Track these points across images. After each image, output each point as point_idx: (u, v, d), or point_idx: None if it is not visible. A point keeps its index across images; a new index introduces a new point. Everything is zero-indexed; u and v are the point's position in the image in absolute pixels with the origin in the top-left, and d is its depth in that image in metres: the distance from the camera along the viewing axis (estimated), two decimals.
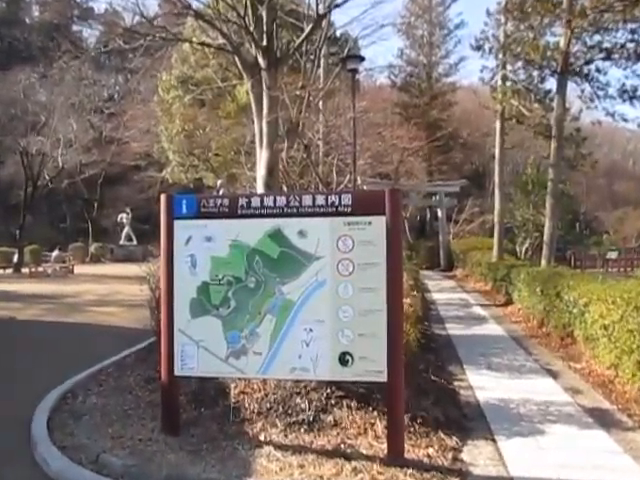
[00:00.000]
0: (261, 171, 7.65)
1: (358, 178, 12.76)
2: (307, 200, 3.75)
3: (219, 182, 13.35)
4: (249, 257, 3.81)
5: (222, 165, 18.73)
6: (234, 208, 3.85)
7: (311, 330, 3.70)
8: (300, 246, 3.74)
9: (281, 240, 3.77)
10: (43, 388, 5.11)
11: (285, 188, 9.32)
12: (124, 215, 31.04)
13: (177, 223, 3.96)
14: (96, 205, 34.20)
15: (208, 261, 3.89)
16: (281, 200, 3.79)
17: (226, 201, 3.89)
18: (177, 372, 3.96)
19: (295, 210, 3.76)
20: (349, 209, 3.68)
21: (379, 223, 3.64)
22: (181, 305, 3.92)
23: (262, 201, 3.82)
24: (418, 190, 23.49)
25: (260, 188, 7.32)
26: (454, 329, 8.71)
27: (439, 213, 24.22)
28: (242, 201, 3.85)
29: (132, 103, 28.62)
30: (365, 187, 17.04)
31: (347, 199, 3.68)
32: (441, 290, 14.47)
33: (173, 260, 3.95)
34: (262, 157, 7.69)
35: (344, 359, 3.66)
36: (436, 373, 5.66)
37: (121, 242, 31.20)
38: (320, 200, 3.73)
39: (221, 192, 11.52)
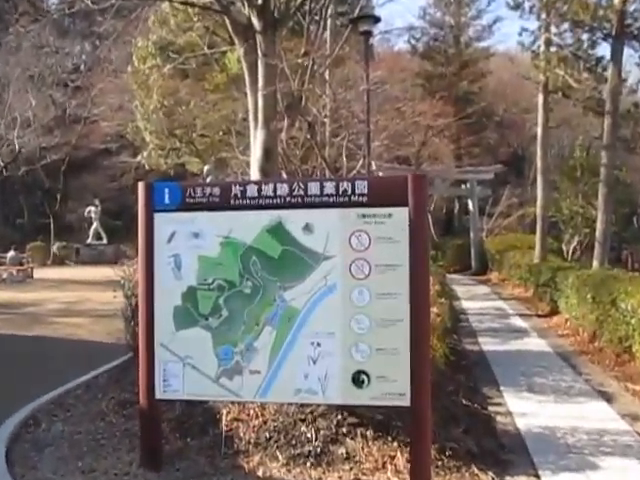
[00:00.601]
0: (256, 154, 7.63)
1: (373, 163, 12.76)
2: (314, 188, 3.76)
3: (206, 168, 13.36)
4: (244, 257, 3.82)
5: (209, 148, 18.75)
6: (226, 198, 3.86)
7: (319, 344, 3.71)
8: (305, 243, 3.74)
9: (283, 236, 3.78)
10: None
11: (285, 175, 9.33)
12: (92, 209, 31.17)
13: (158, 217, 3.97)
14: (59, 197, 34.36)
15: (195, 262, 3.90)
16: (283, 188, 3.80)
17: (216, 190, 3.90)
18: (159, 395, 3.97)
19: (299, 200, 3.77)
20: (364, 199, 3.68)
21: (401, 216, 3.64)
22: (163, 315, 3.94)
23: (260, 189, 3.83)
24: (444, 177, 23.52)
25: (255, 175, 7.31)
26: (489, 344, 8.73)
27: (470, 205, 24.16)
28: (236, 189, 3.86)
29: (101, 75, 28.69)
30: (380, 173, 17.04)
31: (362, 186, 3.69)
32: (472, 297, 14.48)
33: (153, 261, 3.97)
34: (257, 138, 7.67)
35: (359, 379, 3.66)
36: (468, 396, 5.67)
37: (89, 241, 31.37)
38: (329, 188, 3.74)
39: (208, 180, 11.51)
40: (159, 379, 3.94)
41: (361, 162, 11.13)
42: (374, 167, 14.56)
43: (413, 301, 3.60)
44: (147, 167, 20.73)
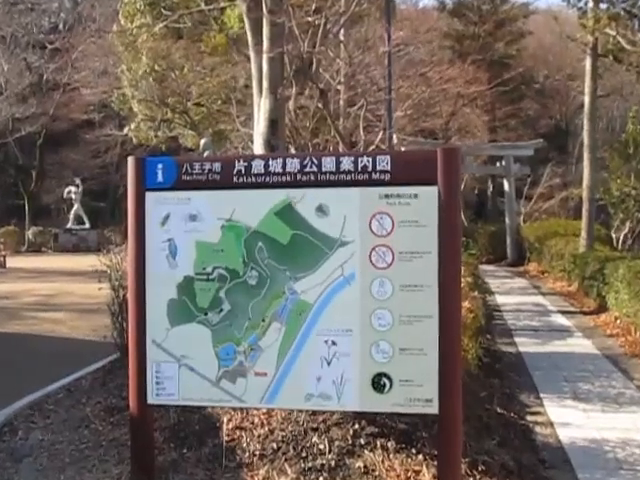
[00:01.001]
0: (260, 126, 7.61)
1: (394, 136, 12.69)
2: (329, 163, 3.75)
3: (202, 141, 13.35)
4: (249, 243, 3.83)
5: (205, 119, 18.75)
6: (228, 175, 3.87)
7: (334, 343, 3.73)
8: (319, 227, 3.75)
9: (293, 219, 3.79)
10: None
11: (293, 150, 9.32)
12: (72, 189, 31.32)
13: (150, 196, 3.99)
14: (34, 175, 34.47)
15: (192, 248, 3.92)
16: (293, 163, 3.80)
17: (217, 165, 3.91)
18: (151, 399, 4.00)
19: (313, 177, 3.77)
20: (387, 176, 3.68)
21: (429, 196, 3.63)
22: (156, 309, 3.96)
23: (267, 165, 3.83)
24: (476, 153, 23.39)
25: (259, 149, 7.30)
26: (527, 345, 8.75)
27: (505, 186, 24.03)
28: (239, 165, 3.86)
29: (83, 35, 28.73)
30: (403, 149, 16.98)
31: (384, 162, 3.68)
32: (508, 292, 14.47)
33: (144, 247, 3.99)
34: (262, 107, 7.65)
35: (379, 383, 3.68)
36: (503, 404, 5.71)
37: (69, 225, 31.59)
38: (347, 163, 3.73)
39: (205, 156, 11.52)
40: (151, 382, 3.97)
41: (381, 135, 11.07)
42: (396, 141, 14.48)
43: (442, 294, 3.60)
44: (135, 141, 20.79)
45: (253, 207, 3.84)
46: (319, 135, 10.96)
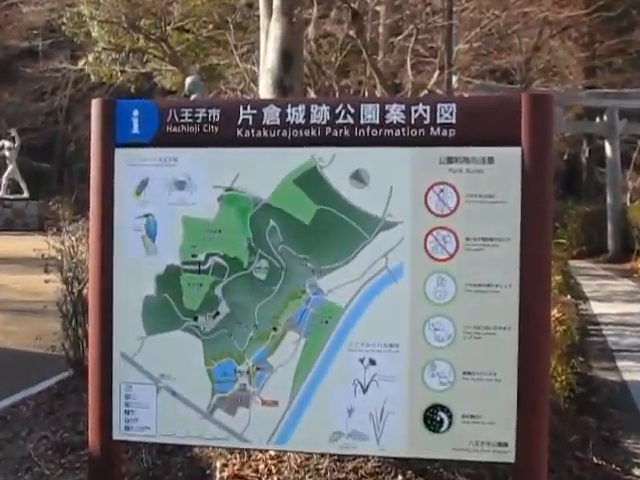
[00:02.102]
0: (268, 61, 7.59)
1: (455, 78, 12.60)
2: (370, 113, 3.73)
3: (188, 80, 13.33)
4: (257, 221, 3.84)
5: (191, 50, 18.70)
6: (230, 126, 3.86)
7: (372, 362, 3.72)
8: (355, 202, 3.74)
9: (319, 190, 3.78)
10: None
11: (312, 94, 9.29)
12: (6, 144, 31.49)
13: (121, 154, 3.99)
14: None
15: (179, 227, 3.93)
16: (321, 112, 3.78)
17: (216, 112, 3.89)
18: (117, 434, 4.02)
19: (347, 132, 3.74)
20: (452, 132, 3.65)
21: (509, 160, 3.62)
22: (126, 310, 3.98)
23: (284, 113, 3.81)
24: (568, 104, 23.19)
25: (266, 92, 7.28)
26: (634, 372, 8.70)
27: (607, 150, 23.85)
28: (246, 112, 3.85)
29: None
30: (466, 95, 16.86)
31: (448, 112, 3.66)
32: (609, 298, 14.39)
33: (112, 226, 4.00)
34: (271, 35, 7.63)
35: (434, 419, 3.68)
36: (601, 451, 5.68)
37: (0, 194, 31.74)
38: (396, 113, 3.71)
39: (193, 99, 11.52)
40: (118, 410, 3.99)
41: (436, 77, 11.02)
42: (457, 85, 14.39)
43: (525, 298, 3.58)
44: (94, 79, 20.79)
45: (264, 172, 3.84)
46: (349, 74, 10.89)
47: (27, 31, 30.20)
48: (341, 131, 3.76)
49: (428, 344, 3.68)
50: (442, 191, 3.67)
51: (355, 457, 4.29)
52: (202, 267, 3.89)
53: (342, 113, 3.76)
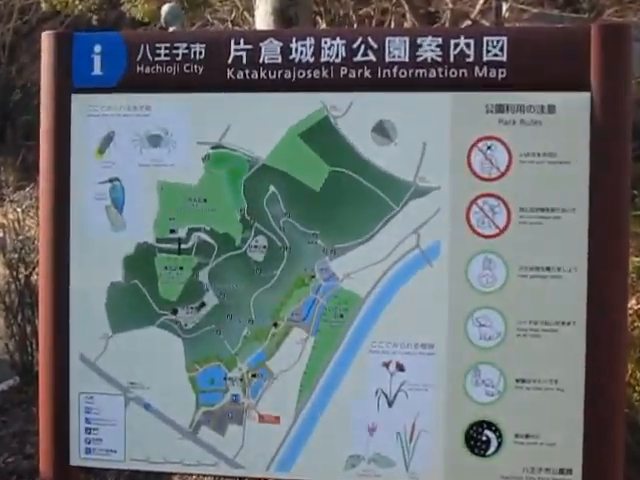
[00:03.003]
0: None
1: (505, 5, 12.53)
2: (398, 47, 3.74)
3: (165, 8, 13.24)
4: (253, 187, 3.87)
5: None
6: (218, 65, 3.87)
7: (400, 368, 3.77)
8: (378, 162, 3.76)
9: (331, 146, 3.80)
10: None
11: (323, 26, 9.29)
12: None
13: (79, 101, 4.02)
14: None
15: (153, 195, 3.96)
16: (335, 47, 3.78)
17: (199, 48, 3.90)
18: (76, 459, 4.06)
19: (368, 72, 3.76)
20: (502, 72, 3.67)
21: (575, 109, 3.63)
22: (87, 302, 4.02)
23: (287, 48, 3.82)
24: None
25: (264, 23, 7.28)
26: None
27: None
28: (238, 48, 3.86)
29: None
30: (520, 26, 16.73)
31: (497, 47, 3.67)
32: None
33: (68, 193, 4.03)
34: None
35: (479, 438, 3.71)
36: None
37: None
38: (429, 48, 3.72)
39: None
40: (77, 428, 4.03)
41: (481, 3, 10.98)
42: (508, 14, 14.30)
43: (595, 285, 3.61)
44: (44, 7, 20.67)
45: (261, 124, 3.85)
46: (371, 1, 10.80)
47: None
48: (360, 72, 3.76)
49: (471, 344, 3.70)
50: (489, 148, 3.69)
51: None
52: (183, 246, 3.92)
53: (361, 49, 3.76)
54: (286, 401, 3.84)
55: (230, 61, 3.87)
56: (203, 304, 3.91)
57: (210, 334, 3.90)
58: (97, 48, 3.99)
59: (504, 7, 12.70)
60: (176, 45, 3.93)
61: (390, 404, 3.77)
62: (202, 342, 3.91)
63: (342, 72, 3.78)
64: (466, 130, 3.71)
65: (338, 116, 3.79)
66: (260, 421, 3.87)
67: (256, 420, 3.87)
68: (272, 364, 3.85)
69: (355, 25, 9.77)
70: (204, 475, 4.48)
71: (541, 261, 3.66)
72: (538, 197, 3.67)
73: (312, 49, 3.81)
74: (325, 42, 3.81)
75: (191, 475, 4.55)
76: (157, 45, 3.94)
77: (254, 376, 3.87)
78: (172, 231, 3.94)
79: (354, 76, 3.77)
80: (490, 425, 3.71)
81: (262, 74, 3.84)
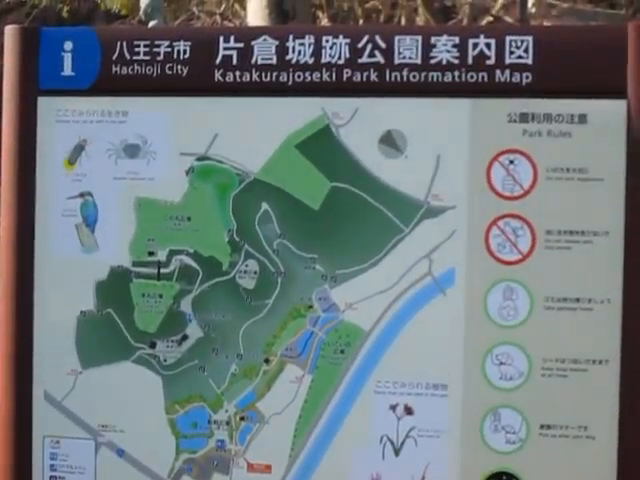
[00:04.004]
0: None
1: (531, 0, 12.58)
2: (407, 47, 3.57)
3: (145, 0, 13.33)
4: (242, 204, 3.71)
5: None
6: (205, 66, 3.72)
7: (409, 411, 3.60)
8: (385, 177, 3.61)
9: (332, 158, 3.65)
10: None
11: (325, 21, 9.31)
12: None
13: (46, 105, 3.87)
14: None
15: (129, 212, 3.80)
16: (337, 46, 3.63)
17: (183, 45, 3.75)
18: None
19: (374, 76, 3.60)
20: (525, 77, 3.50)
21: (609, 118, 3.47)
22: (52, 332, 3.87)
23: (283, 47, 3.66)
24: None
25: (257, 18, 7.27)
26: None
27: None
28: (228, 46, 3.72)
29: None
30: (548, 24, 16.87)
31: (521, 47, 3.52)
32: None
33: (33, 209, 3.88)
34: None
35: None
36: None
37: None
38: (445, 48, 3.55)
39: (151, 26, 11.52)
40: (41, 476, 3.89)
41: None
42: (534, 10, 14.38)
43: (631, 318, 3.45)
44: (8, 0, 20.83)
45: (253, 133, 3.72)
46: None
47: None
48: (366, 74, 3.63)
49: (490, 385, 3.56)
50: (512, 163, 3.55)
51: None
52: (163, 270, 3.79)
53: (368, 48, 3.62)
54: (279, 448, 3.70)
55: (218, 62, 3.74)
56: (185, 337, 3.77)
57: (193, 371, 3.77)
58: (68, 45, 3.86)
59: (530, 2, 12.78)
60: (157, 43, 3.81)
61: (397, 452, 3.62)
62: (184, 380, 3.78)
63: (345, 75, 3.65)
64: (486, 142, 3.58)
65: (340, 125, 3.67)
66: (249, 470, 3.72)
67: (244, 469, 3.73)
68: (263, 406, 3.71)
69: (361, 21, 9.81)
70: None
71: (570, 291, 3.52)
72: (567, 218, 3.53)
73: (312, 49, 3.68)
74: (326, 41, 3.68)
75: None
76: (136, 43, 3.81)
77: (242, 419, 3.72)
78: (151, 253, 3.81)
79: (359, 80, 3.65)
80: (511, 477, 3.56)
81: (254, 76, 3.72)
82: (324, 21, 8.97)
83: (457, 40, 3.58)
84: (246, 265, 3.72)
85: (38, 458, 3.88)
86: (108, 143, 3.84)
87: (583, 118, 3.50)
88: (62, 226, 3.87)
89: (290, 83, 3.68)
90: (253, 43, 3.71)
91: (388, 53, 3.61)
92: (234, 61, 3.72)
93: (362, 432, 3.64)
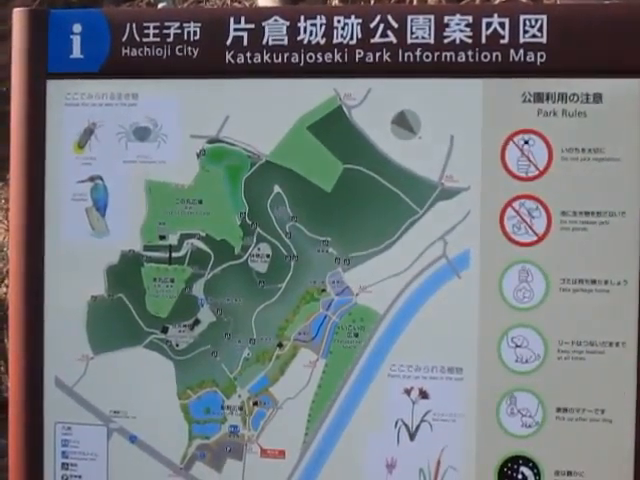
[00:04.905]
0: None
1: None
2: (420, 26, 3.57)
3: None
4: (254, 187, 3.71)
5: None
6: (214, 47, 3.72)
7: (424, 395, 3.60)
8: (398, 158, 3.60)
9: (345, 140, 3.65)
10: None
11: (337, 1, 9.30)
12: None
13: (55, 88, 3.86)
14: None
15: (140, 196, 3.81)
16: (348, 26, 3.63)
17: (193, 27, 3.75)
18: None
19: (387, 56, 3.59)
20: (540, 56, 3.50)
21: (625, 98, 3.48)
22: (63, 318, 3.87)
23: (295, 27, 3.66)
24: None
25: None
26: None
27: None
28: (237, 28, 3.71)
29: None
30: (562, 2, 16.79)
31: (535, 27, 3.51)
32: None
33: (43, 194, 3.88)
34: None
35: (515, 476, 3.57)
36: None
37: None
38: (458, 28, 3.55)
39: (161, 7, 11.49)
40: (52, 463, 3.88)
41: None
42: None
43: None
44: None
45: (265, 115, 3.72)
46: None
47: None
48: (378, 55, 3.62)
49: (506, 368, 3.57)
50: (527, 143, 3.55)
51: None
52: (174, 254, 3.79)
53: (380, 28, 3.62)
54: (292, 433, 3.71)
55: (229, 43, 3.74)
56: (197, 321, 3.78)
57: (205, 356, 3.77)
58: (76, 28, 3.85)
59: None
60: (167, 24, 3.80)
61: (412, 437, 3.63)
62: (196, 365, 3.78)
63: (358, 55, 3.65)
64: (500, 122, 3.58)
65: (353, 106, 3.67)
66: (262, 456, 3.73)
67: (258, 454, 3.73)
68: (276, 390, 3.72)
69: (373, 1, 9.75)
70: None
71: (586, 273, 3.53)
72: (582, 199, 3.53)
73: (323, 29, 3.68)
74: (338, 21, 3.68)
75: None
76: (145, 24, 3.81)
77: (256, 404, 3.73)
78: (162, 237, 3.82)
79: (371, 60, 3.64)
80: (527, 461, 3.57)
81: (266, 57, 3.71)
82: (335, 1, 8.92)
83: (470, 19, 3.57)
84: (258, 248, 3.71)
85: (50, 445, 3.88)
86: (118, 126, 3.83)
87: (598, 97, 3.50)
88: (72, 210, 3.87)
89: (302, 64, 3.67)
90: (264, 24, 3.70)
91: (401, 33, 3.60)
92: (245, 42, 3.71)
93: (377, 416, 3.64)
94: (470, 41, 3.59)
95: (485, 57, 3.58)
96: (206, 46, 3.77)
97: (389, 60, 3.63)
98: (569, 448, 3.56)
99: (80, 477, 3.90)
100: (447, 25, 3.60)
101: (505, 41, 3.57)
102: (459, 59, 3.59)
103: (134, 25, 3.83)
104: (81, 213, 3.88)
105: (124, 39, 3.82)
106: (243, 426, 3.75)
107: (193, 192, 3.80)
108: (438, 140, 3.62)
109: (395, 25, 3.63)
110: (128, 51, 3.82)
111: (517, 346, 3.57)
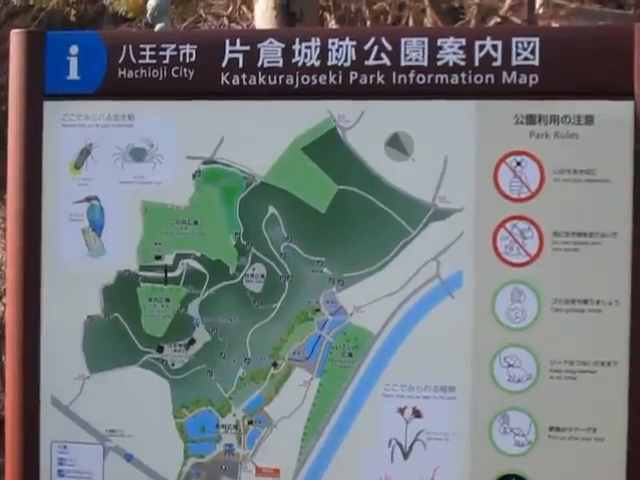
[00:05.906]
0: None
1: (539, 0, 12.52)
2: (414, 49, 3.60)
3: (152, 3, 13.20)
4: (249, 208, 3.73)
5: None
6: (210, 69, 3.74)
7: (417, 414, 3.62)
8: (392, 179, 3.64)
9: (339, 161, 3.67)
10: None
11: (332, 24, 9.33)
12: None
13: (52, 109, 3.89)
14: None
15: (136, 216, 3.82)
16: (343, 47, 3.67)
17: (190, 49, 3.78)
18: None
19: (381, 78, 3.63)
20: (532, 78, 3.54)
21: (616, 120, 3.50)
22: (60, 337, 3.89)
23: (289, 49, 3.69)
24: None
25: (264, 21, 7.27)
26: None
27: None
28: (233, 50, 3.75)
29: None
30: (555, 25, 16.73)
31: (528, 48, 3.55)
32: None
33: (39, 214, 3.90)
34: None
35: None
36: None
37: None
38: (452, 50, 3.58)
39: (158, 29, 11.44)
40: None
41: None
42: (542, 10, 14.31)
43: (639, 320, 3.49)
44: (15, 1, 20.68)
45: (260, 136, 3.74)
46: None
47: None
48: (372, 77, 3.65)
49: (498, 387, 3.59)
50: (519, 164, 3.58)
51: None
52: (170, 274, 3.81)
53: (374, 51, 3.64)
54: (287, 451, 3.72)
55: (224, 65, 3.75)
56: (193, 341, 3.79)
57: (200, 375, 3.78)
58: (73, 49, 3.87)
59: (538, 2, 12.68)
60: (163, 46, 3.82)
61: (405, 456, 3.65)
62: (191, 384, 3.79)
63: (352, 77, 3.68)
64: (493, 144, 3.60)
65: (347, 127, 3.69)
66: (257, 474, 3.74)
67: (253, 473, 3.74)
68: (271, 409, 3.73)
69: (368, 22, 9.74)
70: None
71: (578, 293, 3.55)
72: (574, 220, 3.55)
73: (318, 51, 3.70)
74: (333, 43, 3.70)
75: None
76: (142, 46, 3.82)
77: (250, 423, 3.74)
78: (158, 257, 3.82)
79: (365, 82, 3.67)
80: (520, 479, 3.60)
81: (261, 79, 3.74)
82: (331, 23, 8.91)
83: (463, 42, 3.59)
84: (253, 269, 3.72)
85: (46, 463, 3.88)
86: (114, 147, 3.84)
87: (590, 119, 3.52)
88: (69, 231, 3.87)
89: (296, 86, 3.68)
90: (259, 46, 3.72)
91: (394, 55, 3.62)
92: (240, 64, 3.72)
93: (370, 435, 3.65)
94: (463, 63, 3.60)
95: (478, 79, 3.60)
96: (202, 68, 3.78)
97: (383, 82, 3.65)
98: (561, 466, 3.57)
99: None
100: (440, 47, 3.61)
101: (498, 63, 3.58)
102: (452, 81, 3.61)
103: (130, 47, 3.83)
104: (77, 233, 3.88)
105: (120, 61, 3.83)
106: (238, 445, 3.75)
107: (189, 213, 3.80)
108: (431, 161, 3.63)
109: (389, 47, 3.65)
110: (124, 72, 3.83)
111: (510, 365, 3.58)
